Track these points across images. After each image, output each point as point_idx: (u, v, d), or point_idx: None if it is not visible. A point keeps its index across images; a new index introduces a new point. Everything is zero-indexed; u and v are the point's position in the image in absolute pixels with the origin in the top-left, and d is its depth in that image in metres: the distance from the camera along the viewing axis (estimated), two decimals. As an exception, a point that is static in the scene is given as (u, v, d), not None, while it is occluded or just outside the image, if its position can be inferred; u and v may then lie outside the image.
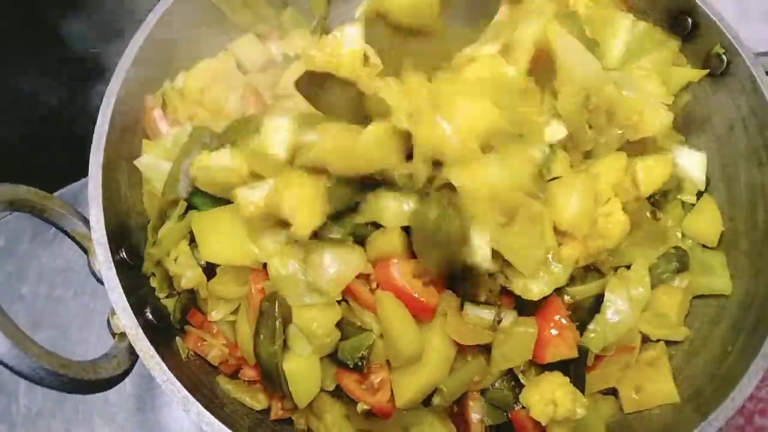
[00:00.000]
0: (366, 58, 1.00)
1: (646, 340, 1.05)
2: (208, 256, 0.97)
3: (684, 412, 0.97)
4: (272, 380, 0.94)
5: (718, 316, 1.06)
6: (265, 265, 0.94)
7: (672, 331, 1.05)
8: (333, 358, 0.95)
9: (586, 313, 0.97)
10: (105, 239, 0.93)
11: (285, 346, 0.93)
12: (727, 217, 1.11)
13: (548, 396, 0.89)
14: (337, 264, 0.90)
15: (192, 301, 1.04)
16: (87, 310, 1.40)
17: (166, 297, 1.03)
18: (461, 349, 0.95)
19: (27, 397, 1.33)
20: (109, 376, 0.88)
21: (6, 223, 1.48)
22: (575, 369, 0.94)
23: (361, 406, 0.93)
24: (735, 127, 1.10)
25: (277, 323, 0.91)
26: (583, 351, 0.94)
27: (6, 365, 0.77)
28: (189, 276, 1.00)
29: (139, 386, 1.34)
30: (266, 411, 1.04)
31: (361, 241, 0.93)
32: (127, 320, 0.89)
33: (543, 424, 0.90)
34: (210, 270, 1.01)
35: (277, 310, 0.91)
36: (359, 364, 0.92)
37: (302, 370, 0.94)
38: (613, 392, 1.05)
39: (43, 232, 1.46)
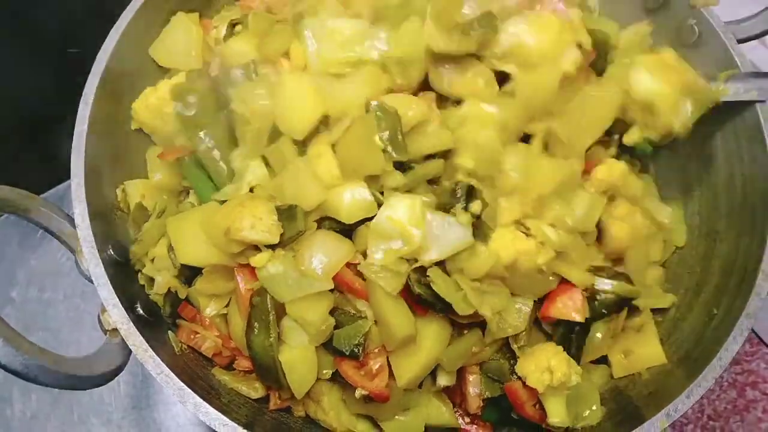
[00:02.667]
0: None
1: (633, 309, 1.06)
2: (184, 259, 0.96)
3: (673, 376, 0.99)
4: (268, 373, 0.93)
5: (702, 281, 1.08)
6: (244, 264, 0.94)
7: (657, 300, 1.07)
8: (328, 346, 0.94)
9: None
10: (91, 237, 0.93)
11: (279, 338, 0.93)
12: (705, 184, 1.13)
13: (544, 364, 0.90)
14: (325, 252, 0.90)
15: (182, 294, 1.03)
16: (78, 312, 1.39)
17: (157, 293, 1.03)
18: (457, 327, 0.96)
19: (21, 401, 1.33)
20: (102, 371, 0.87)
21: (-7, 228, 1.47)
22: (577, 339, 0.96)
23: (359, 392, 0.93)
24: (710, 97, 1.11)
25: (271, 316, 0.91)
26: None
27: (-2, 363, 0.76)
28: (159, 281, 1.00)
29: (134, 385, 1.33)
30: (263, 399, 1.04)
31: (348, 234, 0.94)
32: (118, 316, 0.89)
33: (540, 391, 0.91)
34: (193, 267, 1.00)
35: (269, 302, 0.91)
36: (355, 351, 0.91)
37: (299, 361, 0.93)
38: (604, 361, 1.06)
39: (31, 236, 1.46)
